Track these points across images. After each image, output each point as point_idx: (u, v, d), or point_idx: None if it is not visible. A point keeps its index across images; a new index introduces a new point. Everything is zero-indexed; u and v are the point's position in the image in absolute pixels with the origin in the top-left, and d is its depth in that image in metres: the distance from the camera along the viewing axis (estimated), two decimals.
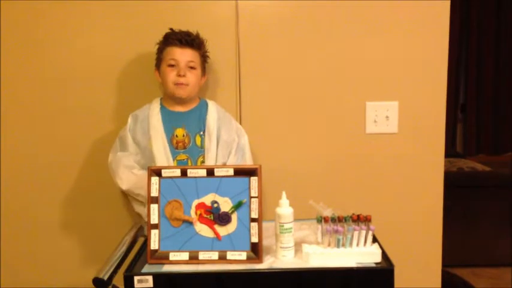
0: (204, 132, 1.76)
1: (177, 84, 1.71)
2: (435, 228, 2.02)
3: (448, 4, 1.91)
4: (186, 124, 1.76)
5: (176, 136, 1.74)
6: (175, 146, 1.73)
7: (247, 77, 1.95)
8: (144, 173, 1.65)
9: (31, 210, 2.02)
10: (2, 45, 1.93)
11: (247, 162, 1.83)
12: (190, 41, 1.73)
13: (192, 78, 1.73)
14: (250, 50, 1.93)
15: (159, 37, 1.77)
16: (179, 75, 1.70)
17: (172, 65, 1.72)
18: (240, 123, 1.94)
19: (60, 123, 1.97)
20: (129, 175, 1.71)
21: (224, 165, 1.68)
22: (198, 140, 1.76)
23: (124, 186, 1.70)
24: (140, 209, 1.74)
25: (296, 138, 1.99)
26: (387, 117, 1.96)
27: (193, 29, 1.78)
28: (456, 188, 2.85)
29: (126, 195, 1.86)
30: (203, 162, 1.74)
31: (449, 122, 4.66)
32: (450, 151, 3.65)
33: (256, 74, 1.95)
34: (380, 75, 1.95)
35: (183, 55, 1.72)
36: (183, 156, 1.73)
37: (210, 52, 1.83)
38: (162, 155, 1.70)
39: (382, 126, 1.97)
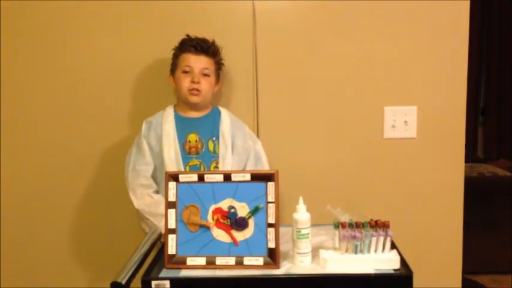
0: (217, 138, 1.77)
1: (190, 90, 1.72)
2: (455, 234, 1.99)
3: (467, 6, 1.89)
4: (198, 129, 1.77)
5: (189, 141, 1.75)
6: (187, 152, 1.74)
7: (264, 82, 1.95)
8: (159, 198, 1.69)
9: (44, 215, 2.04)
10: (17, 48, 1.95)
11: (265, 167, 1.83)
12: (206, 48, 1.74)
13: (205, 85, 1.74)
14: (266, 55, 1.93)
15: (175, 41, 1.78)
16: (193, 82, 1.72)
17: (186, 72, 1.73)
18: (257, 128, 1.94)
19: (75, 127, 1.99)
20: (144, 195, 1.73)
21: (241, 170, 1.68)
22: (210, 145, 1.76)
23: (137, 205, 1.73)
24: (145, 227, 1.74)
25: (314, 143, 1.98)
26: (406, 122, 1.94)
27: (209, 34, 1.79)
28: (477, 193, 2.81)
29: None
30: (216, 167, 1.75)
31: (470, 126, 4.57)
32: (470, 156, 3.60)
33: (273, 79, 1.95)
34: (398, 79, 1.94)
35: (197, 62, 1.73)
36: (195, 162, 1.74)
37: (227, 57, 1.84)
38: (173, 161, 1.71)
39: (401, 131, 1.95)
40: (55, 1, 1.92)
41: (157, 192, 1.75)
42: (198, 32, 1.80)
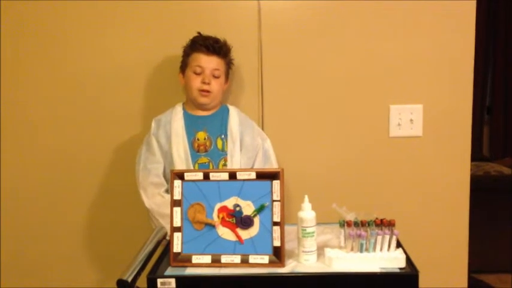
0: (225, 135, 1.77)
1: (201, 91, 1.72)
2: (461, 233, 1.98)
3: (473, 4, 1.88)
4: (207, 127, 1.77)
5: (198, 139, 1.75)
6: (196, 149, 1.74)
7: (269, 80, 1.95)
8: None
9: (52, 214, 2.05)
10: (26, 47, 1.96)
11: (274, 166, 1.83)
12: (218, 48, 1.74)
13: (215, 86, 1.74)
14: (272, 54, 1.93)
15: (181, 40, 1.79)
16: (204, 83, 1.72)
17: (197, 72, 1.73)
18: (263, 127, 1.94)
19: (84, 127, 2.00)
20: (155, 195, 1.73)
21: (246, 169, 1.67)
22: (219, 143, 1.76)
23: (147, 204, 1.73)
24: (152, 224, 1.74)
25: (319, 142, 1.98)
26: (411, 120, 1.94)
27: (214, 33, 1.79)
28: (483, 192, 2.79)
29: None
30: (225, 165, 1.75)
31: (476, 124, 4.55)
32: (476, 154, 3.58)
33: (278, 78, 1.95)
34: (404, 77, 1.93)
35: (209, 63, 1.73)
36: (204, 160, 1.74)
37: (232, 56, 1.84)
38: (182, 159, 1.71)
39: (406, 129, 1.94)
40: (59, 0, 1.93)
41: (167, 191, 1.75)
42: (203, 31, 1.80)
